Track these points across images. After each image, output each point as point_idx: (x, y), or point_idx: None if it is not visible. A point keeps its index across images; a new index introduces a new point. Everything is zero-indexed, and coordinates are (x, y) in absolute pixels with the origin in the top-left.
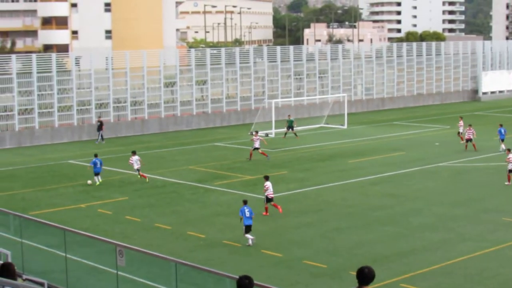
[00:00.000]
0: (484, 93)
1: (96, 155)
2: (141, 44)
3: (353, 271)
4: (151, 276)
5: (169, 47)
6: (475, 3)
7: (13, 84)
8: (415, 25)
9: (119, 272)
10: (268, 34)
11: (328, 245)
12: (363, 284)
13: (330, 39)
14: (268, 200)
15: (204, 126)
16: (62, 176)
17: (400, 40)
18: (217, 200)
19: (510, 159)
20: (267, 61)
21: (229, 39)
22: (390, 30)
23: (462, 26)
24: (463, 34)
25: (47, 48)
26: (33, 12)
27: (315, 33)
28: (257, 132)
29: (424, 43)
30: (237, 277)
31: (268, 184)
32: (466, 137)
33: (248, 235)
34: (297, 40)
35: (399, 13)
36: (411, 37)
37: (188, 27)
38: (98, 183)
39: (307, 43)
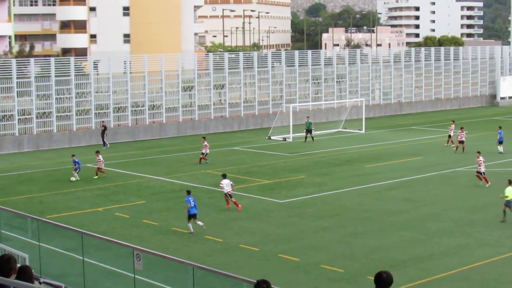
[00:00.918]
0: (502, 98)
1: (73, 155)
2: (159, 48)
3: (370, 276)
4: (168, 280)
5: (187, 51)
6: (493, 8)
7: (32, 88)
8: (433, 30)
9: (136, 276)
10: (286, 38)
11: (345, 250)
12: None
13: (348, 44)
14: (230, 196)
15: (222, 130)
16: (79, 179)
17: (418, 44)
18: (234, 204)
19: (481, 161)
20: (285, 66)
21: (247, 43)
22: (408, 34)
23: (481, 31)
24: (481, 39)
25: (66, 51)
26: (52, 16)
27: (333, 37)
28: (204, 138)
29: (442, 48)
30: (255, 281)
31: (225, 181)
32: (459, 139)
33: (191, 223)
34: (315, 44)
35: (417, 17)
36: (429, 41)
37: (206, 31)
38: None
39: (325, 48)
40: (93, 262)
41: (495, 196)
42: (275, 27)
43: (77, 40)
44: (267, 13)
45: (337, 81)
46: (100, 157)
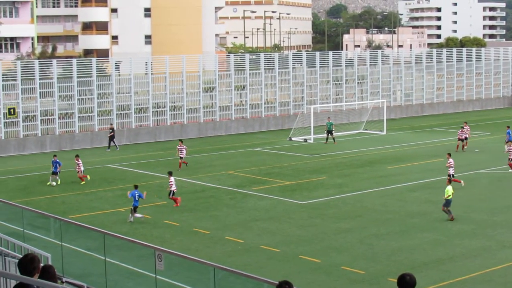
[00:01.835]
0: None
1: (54, 155)
2: (181, 49)
3: (391, 278)
4: (190, 280)
5: (208, 52)
6: None
7: (54, 89)
8: (455, 31)
9: (157, 276)
10: (307, 39)
11: (367, 251)
12: None
13: (369, 45)
14: (173, 193)
15: (242, 131)
16: (101, 180)
17: (440, 46)
18: (255, 205)
19: (451, 163)
20: (306, 67)
21: (268, 45)
22: (429, 35)
23: (503, 31)
24: (503, 39)
25: (88, 53)
26: (74, 17)
27: (354, 38)
28: (181, 141)
29: (464, 49)
30: (276, 282)
31: (172, 179)
32: (462, 136)
33: (132, 215)
34: (336, 45)
35: (439, 18)
36: (451, 42)
37: (227, 32)
38: (56, 183)
39: (346, 49)
40: (115, 262)
41: None
42: (296, 28)
43: (98, 41)
44: (288, 14)
45: (358, 82)
46: (80, 161)
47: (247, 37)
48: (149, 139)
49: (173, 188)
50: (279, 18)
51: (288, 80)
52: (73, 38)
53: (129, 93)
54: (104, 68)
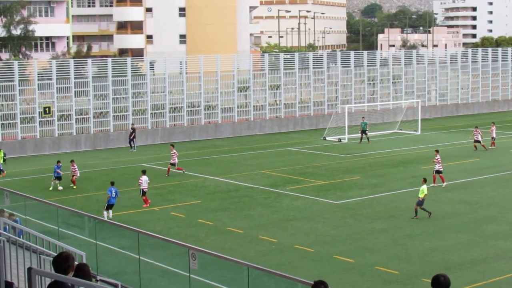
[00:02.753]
0: None
1: (58, 161)
2: (215, 48)
3: (425, 278)
4: (223, 279)
5: (242, 52)
6: None
7: (89, 88)
8: (490, 30)
9: (191, 275)
10: (342, 39)
11: (401, 252)
12: None
13: (404, 44)
14: (144, 193)
15: (277, 131)
16: (135, 179)
17: (475, 45)
18: (289, 204)
19: (439, 159)
20: (341, 66)
21: (302, 44)
22: (465, 35)
23: None
24: None
25: (122, 52)
26: (109, 16)
27: (389, 38)
28: (173, 145)
29: (499, 49)
30: (309, 282)
31: (144, 178)
32: (474, 138)
33: (105, 212)
34: (371, 45)
35: (474, 18)
36: (486, 42)
37: (261, 32)
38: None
39: (381, 48)
40: (149, 261)
41: None
42: (330, 28)
43: (133, 40)
44: (322, 13)
45: (392, 82)
46: (75, 166)
47: (282, 37)
48: (183, 138)
49: (143, 186)
50: (313, 18)
51: (323, 79)
52: (108, 38)
53: (164, 92)
54: (139, 68)
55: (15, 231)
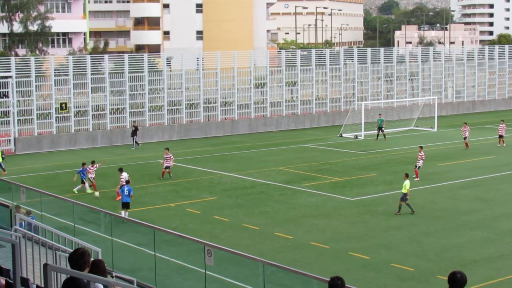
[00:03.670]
0: None
1: (84, 164)
2: (232, 45)
3: (441, 275)
4: (239, 276)
5: (259, 48)
6: None
7: (106, 84)
8: (507, 28)
9: (207, 272)
10: (359, 35)
11: (416, 249)
12: None
13: (421, 41)
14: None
15: (293, 128)
16: (152, 175)
17: (492, 42)
18: (305, 201)
19: (423, 156)
20: (357, 63)
21: (319, 41)
22: (482, 32)
23: None
24: None
25: (139, 48)
26: (126, 12)
27: (406, 35)
28: (168, 149)
29: None
30: (325, 278)
31: (124, 174)
32: (463, 135)
33: (122, 211)
34: (388, 42)
35: (491, 15)
36: (503, 39)
37: (278, 28)
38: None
39: (398, 45)
40: (164, 257)
41: None
42: (347, 25)
43: (150, 36)
44: (339, 10)
45: (409, 79)
46: (96, 166)
47: (299, 33)
48: (200, 135)
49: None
50: (330, 14)
51: (339, 76)
52: (125, 34)
53: (180, 88)
54: (156, 64)
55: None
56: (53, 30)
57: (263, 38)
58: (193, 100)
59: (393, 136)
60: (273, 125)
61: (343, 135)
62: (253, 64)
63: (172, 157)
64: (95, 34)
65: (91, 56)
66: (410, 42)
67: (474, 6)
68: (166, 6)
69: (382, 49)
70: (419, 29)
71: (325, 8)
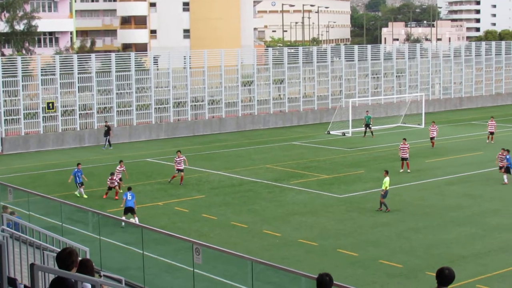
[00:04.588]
0: None
1: (78, 164)
2: (219, 43)
3: (429, 272)
4: (227, 274)
5: (246, 46)
6: None
7: (93, 83)
8: (494, 24)
9: (195, 270)
10: (346, 33)
11: (404, 245)
12: (442, 285)
13: (408, 38)
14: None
15: (281, 125)
16: (139, 174)
17: (479, 39)
18: (293, 199)
19: (405, 147)
20: (345, 60)
21: (306, 38)
22: (468, 29)
23: None
24: None
25: (126, 47)
26: (113, 11)
27: (393, 32)
28: (180, 151)
29: (503, 42)
30: (313, 276)
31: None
32: (430, 135)
33: (124, 217)
34: (375, 39)
35: (478, 11)
36: (490, 36)
37: (265, 26)
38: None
39: (385, 42)
40: (153, 256)
41: None
42: (334, 22)
43: (137, 35)
44: (326, 7)
45: (396, 76)
46: (182, 157)
47: (286, 31)
48: (187, 133)
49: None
50: (317, 12)
51: (327, 73)
52: (112, 33)
53: (168, 87)
54: (143, 63)
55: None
56: (40, 29)
57: (250, 36)
58: (180, 99)
59: (381, 133)
60: (260, 123)
61: (331, 132)
62: (240, 62)
63: (184, 159)
64: (82, 33)
65: (78, 56)
66: (397, 39)
67: (460, 2)
68: (153, 4)
69: (369, 46)
70: (406, 26)
71: (312, 5)
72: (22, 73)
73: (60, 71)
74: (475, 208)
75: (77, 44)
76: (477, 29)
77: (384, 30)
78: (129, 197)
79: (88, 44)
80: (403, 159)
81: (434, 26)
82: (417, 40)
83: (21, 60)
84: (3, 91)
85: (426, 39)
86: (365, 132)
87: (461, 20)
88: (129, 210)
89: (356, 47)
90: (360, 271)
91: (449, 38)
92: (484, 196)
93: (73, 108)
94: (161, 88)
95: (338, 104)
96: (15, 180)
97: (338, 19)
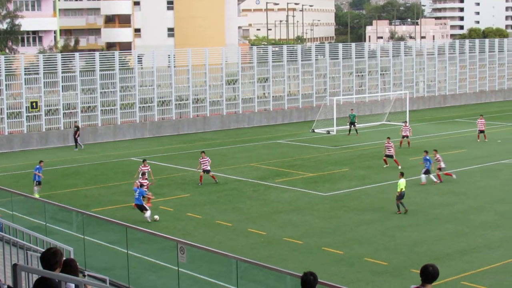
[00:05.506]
0: None
1: (41, 162)
2: (203, 41)
3: (414, 269)
4: (212, 273)
5: (231, 45)
6: None
7: (77, 82)
8: (477, 22)
9: (180, 269)
10: (330, 31)
11: (389, 243)
12: (426, 282)
13: (392, 36)
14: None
15: (265, 124)
16: (124, 173)
17: (462, 37)
18: (278, 197)
19: (390, 146)
20: (329, 58)
21: (291, 37)
22: (452, 27)
23: None
24: None
25: (110, 46)
26: (97, 10)
27: (377, 30)
28: (203, 152)
29: (487, 40)
30: (298, 274)
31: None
32: (403, 134)
33: (147, 214)
34: (359, 37)
35: (461, 9)
36: (473, 33)
37: (250, 25)
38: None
39: (369, 40)
40: (137, 255)
41: None
42: (318, 20)
43: (121, 34)
44: (310, 6)
45: (381, 74)
46: (206, 158)
47: (270, 29)
48: (172, 132)
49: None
50: (302, 10)
51: (311, 72)
52: (96, 31)
53: (152, 86)
54: (127, 61)
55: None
56: (23, 28)
57: (235, 34)
58: (164, 97)
59: (365, 130)
60: (245, 122)
61: (315, 130)
62: (225, 60)
63: (209, 160)
64: (66, 32)
65: (61, 54)
66: (382, 37)
67: (444, 0)
68: (137, 3)
69: (353, 45)
70: (390, 24)
71: (296, 4)
72: (6, 72)
73: (43, 70)
74: (459, 205)
75: (60, 43)
76: (461, 27)
77: (368, 28)
78: (137, 195)
79: (72, 43)
80: (387, 156)
81: (418, 24)
82: (401, 38)
83: (5, 59)
84: None
85: (410, 37)
86: (349, 130)
87: (445, 18)
88: (142, 208)
89: (340, 45)
90: (345, 269)
91: (433, 36)
92: (468, 193)
93: (57, 107)
94: (146, 87)
95: (323, 102)
96: None
97: (322, 18)
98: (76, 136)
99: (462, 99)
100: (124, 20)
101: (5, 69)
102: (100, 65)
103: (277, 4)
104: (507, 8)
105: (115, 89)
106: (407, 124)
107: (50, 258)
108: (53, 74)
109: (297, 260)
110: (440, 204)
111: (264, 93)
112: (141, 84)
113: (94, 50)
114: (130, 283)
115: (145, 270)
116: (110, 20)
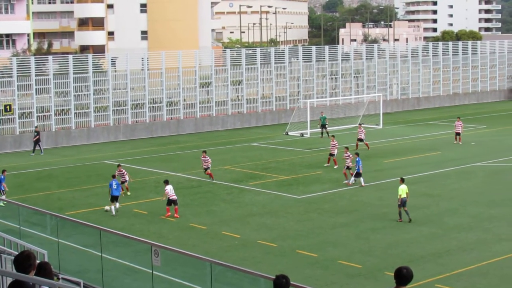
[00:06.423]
0: None
1: (3, 171)
2: (177, 44)
3: (388, 271)
4: (186, 276)
5: (204, 48)
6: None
7: (50, 85)
8: (451, 24)
9: (154, 272)
10: (304, 34)
11: (363, 245)
12: (401, 284)
13: (366, 39)
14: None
15: (239, 126)
16: (98, 176)
17: (436, 39)
18: (252, 200)
19: (336, 144)
20: (302, 61)
21: (264, 39)
22: (425, 29)
23: (499, 25)
24: (499, 33)
25: (84, 49)
26: (70, 13)
27: (351, 32)
28: (205, 151)
29: (460, 42)
30: (272, 277)
31: (168, 188)
32: (358, 137)
33: (111, 205)
34: (333, 40)
35: (435, 12)
36: (447, 36)
37: (223, 28)
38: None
39: (343, 43)
40: (111, 258)
41: None
42: (292, 23)
43: (95, 37)
44: (284, 8)
45: (354, 76)
46: (208, 157)
47: (243, 32)
48: (145, 135)
49: (170, 196)
50: (275, 13)
51: (285, 74)
52: (69, 34)
53: (126, 89)
54: (100, 64)
55: None
56: None
57: (208, 37)
58: (138, 100)
59: (339, 133)
60: (219, 124)
61: (289, 133)
62: (198, 63)
63: (209, 160)
64: (39, 35)
65: (35, 57)
66: (355, 40)
67: (417, 3)
68: (110, 6)
69: (326, 47)
70: (364, 26)
71: (269, 6)
72: None
73: (17, 73)
74: (434, 207)
75: (34, 46)
76: (434, 30)
77: (341, 31)
78: (115, 186)
79: (46, 46)
80: (330, 154)
81: (391, 27)
82: (375, 41)
83: None
84: None
85: (384, 40)
86: (321, 133)
87: (418, 20)
88: (116, 199)
89: (313, 48)
90: (319, 272)
91: (407, 39)
92: (442, 195)
93: (30, 111)
94: (119, 90)
95: (296, 105)
96: None
97: (295, 20)
98: (35, 139)
99: (436, 102)
100: (97, 23)
101: None
102: (73, 68)
103: (251, 7)
104: (480, 11)
105: (88, 92)
106: (361, 127)
107: (24, 261)
108: (26, 77)
109: (271, 263)
110: (414, 206)
111: (237, 96)
112: (115, 87)
113: (67, 53)
114: (104, 286)
115: (119, 273)
116: (84, 23)
